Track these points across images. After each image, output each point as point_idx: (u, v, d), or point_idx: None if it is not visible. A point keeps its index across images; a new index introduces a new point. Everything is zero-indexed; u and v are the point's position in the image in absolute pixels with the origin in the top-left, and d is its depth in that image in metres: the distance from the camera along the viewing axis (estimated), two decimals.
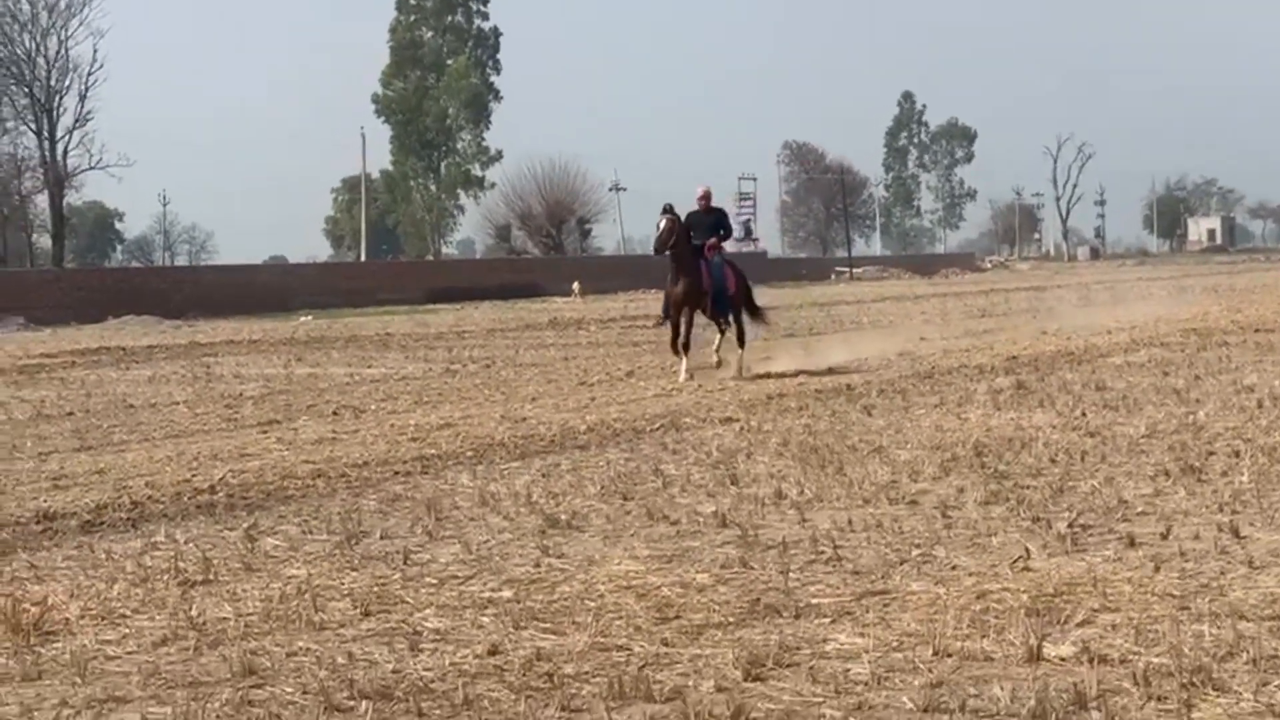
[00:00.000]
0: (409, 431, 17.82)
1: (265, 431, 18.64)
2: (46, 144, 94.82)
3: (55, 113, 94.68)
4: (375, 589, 9.53)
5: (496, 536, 11.20)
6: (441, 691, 7.34)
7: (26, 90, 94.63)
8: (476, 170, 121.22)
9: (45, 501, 13.36)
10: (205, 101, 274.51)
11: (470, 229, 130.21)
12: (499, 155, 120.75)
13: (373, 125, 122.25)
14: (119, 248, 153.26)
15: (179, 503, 13.23)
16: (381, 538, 11.29)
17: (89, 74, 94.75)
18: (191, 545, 11.15)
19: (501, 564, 10.20)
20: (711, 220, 24.94)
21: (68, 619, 8.99)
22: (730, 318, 24.95)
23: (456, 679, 7.48)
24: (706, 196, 25.19)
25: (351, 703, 7.20)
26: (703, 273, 24.23)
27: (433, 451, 16.03)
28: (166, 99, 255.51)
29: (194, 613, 8.99)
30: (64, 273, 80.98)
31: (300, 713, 7.10)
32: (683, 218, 24.56)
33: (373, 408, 21.16)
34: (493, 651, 7.95)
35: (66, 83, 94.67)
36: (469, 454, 15.84)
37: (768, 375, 24.22)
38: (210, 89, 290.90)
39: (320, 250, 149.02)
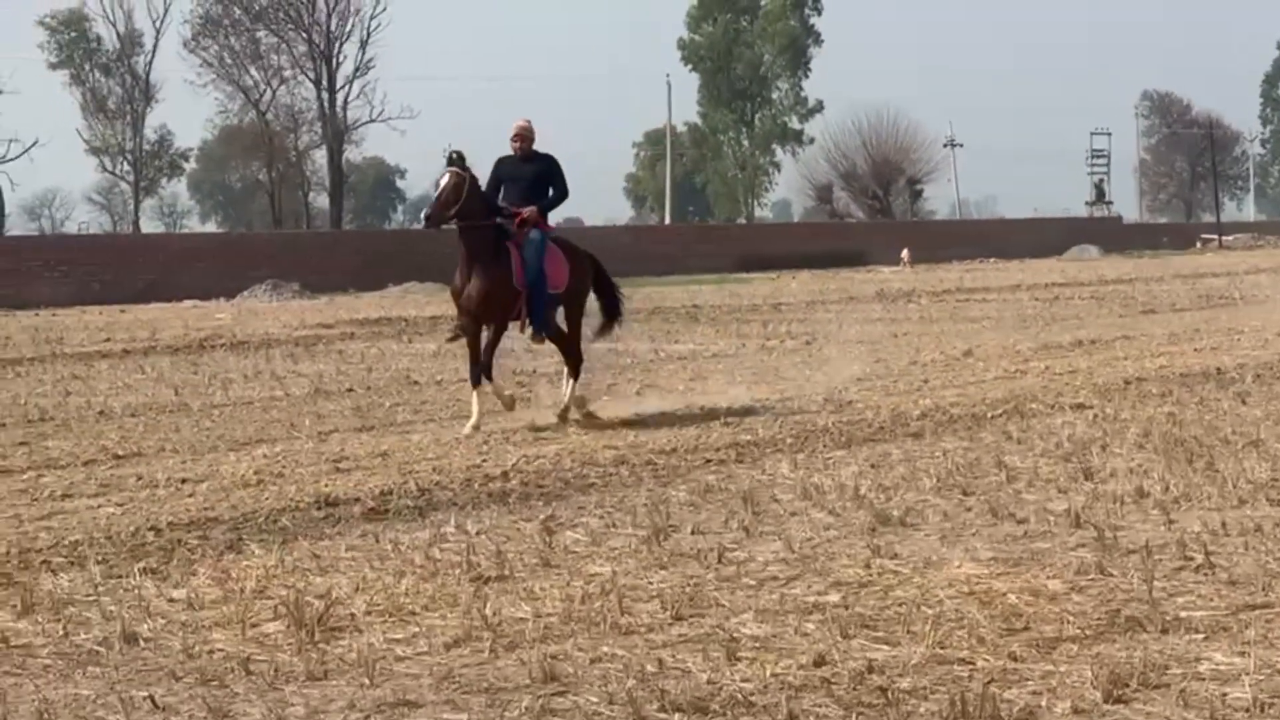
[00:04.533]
0: (721, 415, 17.90)
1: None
2: (325, 95, 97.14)
3: (335, 61, 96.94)
4: (687, 590, 9.61)
5: (821, 534, 11.23)
6: (762, 705, 7.38)
7: (305, 36, 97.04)
8: (794, 123, 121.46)
9: (326, 486, 13.72)
10: (493, 47, 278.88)
11: (787, 189, 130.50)
12: (819, 106, 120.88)
13: (679, 73, 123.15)
14: (400, 208, 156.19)
15: (469, 490, 13.49)
16: (693, 533, 11.38)
17: (371, 17, 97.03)
18: (484, 537, 11.36)
19: (827, 564, 10.22)
20: (532, 173, 17.95)
21: (353, 614, 9.24)
22: (552, 332, 18.63)
23: (779, 692, 7.52)
24: (522, 136, 18.00)
25: (663, 715, 7.29)
26: (512, 262, 17.65)
27: (748, 438, 16.11)
28: (452, 45, 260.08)
29: (488, 612, 9.16)
30: (342, 235, 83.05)
31: None
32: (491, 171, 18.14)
33: (680, 388, 21.30)
34: (819, 662, 7.98)
35: (348, 28, 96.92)
36: (789, 440, 15.88)
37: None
38: (499, 33, 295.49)
39: (620, 212, 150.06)
